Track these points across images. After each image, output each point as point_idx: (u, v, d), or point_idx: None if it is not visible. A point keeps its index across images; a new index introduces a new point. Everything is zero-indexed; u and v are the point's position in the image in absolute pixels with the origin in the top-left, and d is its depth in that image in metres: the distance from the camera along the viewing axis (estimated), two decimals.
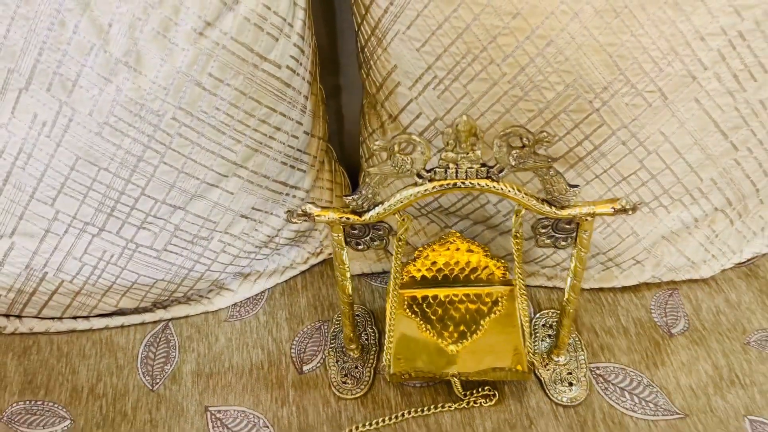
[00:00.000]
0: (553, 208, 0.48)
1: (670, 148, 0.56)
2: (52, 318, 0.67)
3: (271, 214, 0.65)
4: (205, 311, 0.68)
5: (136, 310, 0.68)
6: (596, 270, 0.66)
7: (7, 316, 0.67)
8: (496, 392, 0.60)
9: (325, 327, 0.67)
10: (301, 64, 0.59)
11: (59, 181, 0.55)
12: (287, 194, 0.65)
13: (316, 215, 0.49)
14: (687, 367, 0.61)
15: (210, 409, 0.61)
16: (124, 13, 0.49)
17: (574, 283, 0.54)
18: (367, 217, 0.49)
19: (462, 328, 0.62)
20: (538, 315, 0.66)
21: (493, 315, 0.63)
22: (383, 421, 0.59)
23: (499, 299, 0.64)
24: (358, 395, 0.61)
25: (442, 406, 0.59)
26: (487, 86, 0.55)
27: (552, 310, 0.66)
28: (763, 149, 0.57)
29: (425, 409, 0.59)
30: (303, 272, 0.72)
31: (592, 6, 0.50)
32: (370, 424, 0.59)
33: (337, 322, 0.66)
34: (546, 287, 0.68)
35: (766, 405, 0.58)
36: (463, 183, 0.46)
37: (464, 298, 0.64)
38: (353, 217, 0.49)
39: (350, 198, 0.48)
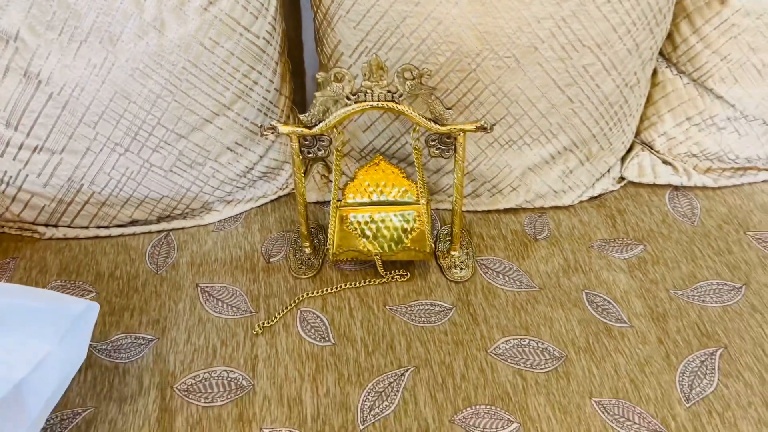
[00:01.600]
0: (436, 125, 0.72)
1: (525, 99, 0.81)
2: (81, 227, 0.89)
3: (249, 150, 0.89)
4: (197, 224, 0.91)
5: (146, 222, 0.90)
6: (486, 197, 0.91)
7: (46, 225, 0.89)
8: (408, 273, 0.83)
9: (288, 235, 0.90)
10: (273, 38, 0.84)
11: (101, 110, 0.78)
12: (261, 135, 0.89)
13: (281, 127, 0.73)
14: (545, 259, 0.86)
15: (200, 285, 0.83)
16: None
17: (458, 187, 0.78)
18: (315, 129, 0.73)
19: (392, 245, 0.85)
20: (442, 227, 0.90)
21: (413, 233, 0.86)
22: (327, 290, 0.82)
23: (417, 218, 0.87)
24: (309, 276, 0.84)
25: (369, 281, 0.82)
26: (400, 53, 0.80)
27: None
28: (591, 103, 0.83)
29: (357, 283, 0.82)
30: (273, 201, 0.95)
31: None
32: (318, 293, 0.81)
33: (297, 231, 0.90)
34: (450, 210, 0.92)
35: (598, 284, 0.82)
36: (377, 104, 0.71)
37: (393, 218, 0.88)
38: (305, 130, 0.73)
39: (303, 116, 0.72)
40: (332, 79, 0.69)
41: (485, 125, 0.73)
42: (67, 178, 0.83)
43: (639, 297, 0.81)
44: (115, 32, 0.74)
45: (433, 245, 0.82)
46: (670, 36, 0.88)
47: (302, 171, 0.78)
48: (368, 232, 0.86)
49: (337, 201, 0.83)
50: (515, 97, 0.81)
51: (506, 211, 0.92)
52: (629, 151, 0.96)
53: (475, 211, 0.92)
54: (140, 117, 0.80)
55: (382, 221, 0.87)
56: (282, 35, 0.87)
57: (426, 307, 0.80)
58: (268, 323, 0.78)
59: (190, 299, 0.82)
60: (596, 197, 0.94)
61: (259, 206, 0.95)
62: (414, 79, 0.69)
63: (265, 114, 0.88)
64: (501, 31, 0.77)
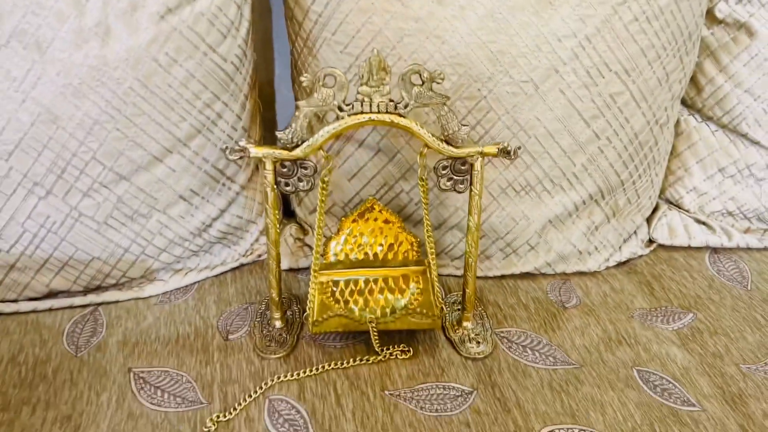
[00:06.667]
0: (449, 146, 0.58)
1: (545, 133, 0.68)
2: None
3: (207, 201, 0.72)
4: (135, 297, 0.71)
5: (68, 293, 0.70)
6: (498, 258, 0.75)
7: None
8: (410, 349, 0.64)
9: (252, 308, 0.70)
10: (243, 65, 0.70)
11: (18, 136, 0.61)
12: (223, 184, 0.73)
13: (253, 149, 0.57)
14: (580, 330, 0.68)
15: (133, 369, 0.62)
16: None
17: (472, 231, 0.62)
18: (297, 151, 0.57)
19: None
20: (448, 295, 0.73)
21: (414, 304, 0.68)
22: (305, 372, 0.62)
23: (417, 283, 0.70)
24: (281, 355, 0.64)
25: (361, 360, 0.63)
26: (397, 79, 0.67)
27: (461, 292, 0.73)
28: (619, 140, 0.71)
29: (345, 362, 0.63)
30: (233, 269, 0.77)
31: (475, 12, 0.65)
32: (293, 376, 0.61)
33: (264, 302, 0.70)
34: (455, 276, 0.76)
35: (649, 359, 0.65)
36: (376, 116, 0.56)
37: (383, 285, 0.70)
38: (284, 152, 0.57)
39: (282, 132, 0.57)
40: (321, 82, 0.55)
41: (509, 148, 0.59)
42: None
43: (703, 374, 0.64)
44: (45, 37, 0.59)
45: (442, 311, 0.65)
46: (692, 79, 0.79)
47: (278, 210, 0.61)
48: (354, 306, 0.68)
49: (320, 256, 0.66)
50: (533, 130, 0.68)
51: (522, 276, 0.76)
52: (654, 211, 0.83)
53: (486, 277, 0.75)
54: (70, 148, 0.63)
55: (372, 289, 0.69)
56: (253, 66, 0.73)
57: (438, 392, 0.60)
58: (225, 417, 0.57)
59: (118, 388, 0.60)
60: (624, 263, 0.79)
61: (215, 276, 0.76)
62: (423, 83, 0.56)
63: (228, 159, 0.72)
64: (517, 50, 0.65)
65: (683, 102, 0.81)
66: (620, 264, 0.79)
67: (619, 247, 0.78)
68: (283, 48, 0.84)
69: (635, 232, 0.80)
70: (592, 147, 0.70)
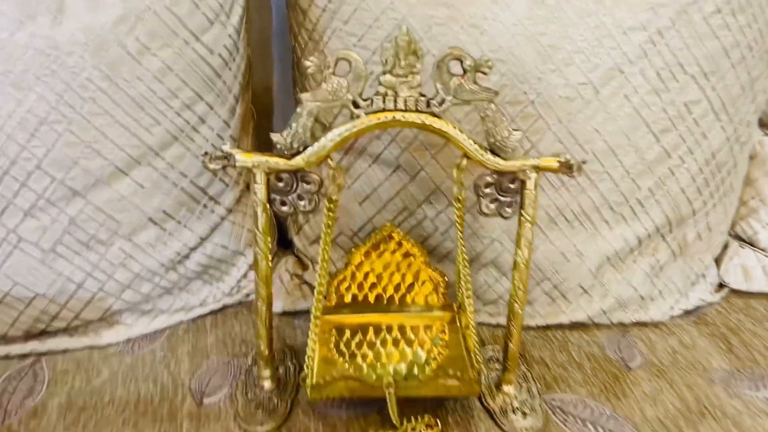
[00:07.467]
0: (495, 157, 0.44)
1: (605, 148, 0.55)
2: None
3: (184, 226, 0.58)
4: (90, 345, 0.57)
5: (3, 340, 0.56)
6: (541, 304, 0.61)
7: None
8: (438, 421, 0.49)
9: (236, 362, 0.56)
10: (234, 60, 0.57)
11: None
12: (205, 205, 0.59)
13: (240, 156, 0.44)
14: (651, 398, 0.54)
15: None
16: None
17: (521, 268, 0.48)
18: (298, 159, 0.44)
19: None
20: (482, 350, 0.58)
21: (437, 360, 0.54)
22: None
23: (443, 334, 0.56)
24: (269, 428, 0.49)
25: None
26: (424, 78, 0.54)
27: (498, 346, 0.58)
28: (694, 159, 0.58)
29: None
30: (214, 312, 0.62)
31: None
32: None
33: (250, 356, 0.56)
34: (489, 324, 0.61)
35: None
36: (402, 115, 0.43)
37: (400, 335, 0.56)
38: (281, 161, 0.44)
39: (278, 134, 0.43)
40: (331, 69, 0.42)
41: (572, 162, 0.45)
42: None
43: None
44: None
45: (477, 365, 0.50)
46: None
47: (270, 237, 0.47)
48: (362, 362, 0.53)
49: (322, 298, 0.51)
50: (591, 144, 0.55)
51: (572, 326, 0.62)
52: (723, 249, 0.69)
53: (527, 327, 0.61)
54: (8, 154, 0.49)
55: (385, 340, 0.55)
56: (246, 63, 0.60)
57: None
58: None
59: None
60: (691, 311, 0.65)
61: (191, 319, 0.61)
62: (465, 74, 0.43)
63: (213, 173, 0.59)
64: (573, 45, 0.53)
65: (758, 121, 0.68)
66: (687, 312, 0.65)
67: (686, 292, 0.64)
68: (283, 53, 0.72)
69: (703, 275, 0.66)
70: (661, 167, 0.57)
